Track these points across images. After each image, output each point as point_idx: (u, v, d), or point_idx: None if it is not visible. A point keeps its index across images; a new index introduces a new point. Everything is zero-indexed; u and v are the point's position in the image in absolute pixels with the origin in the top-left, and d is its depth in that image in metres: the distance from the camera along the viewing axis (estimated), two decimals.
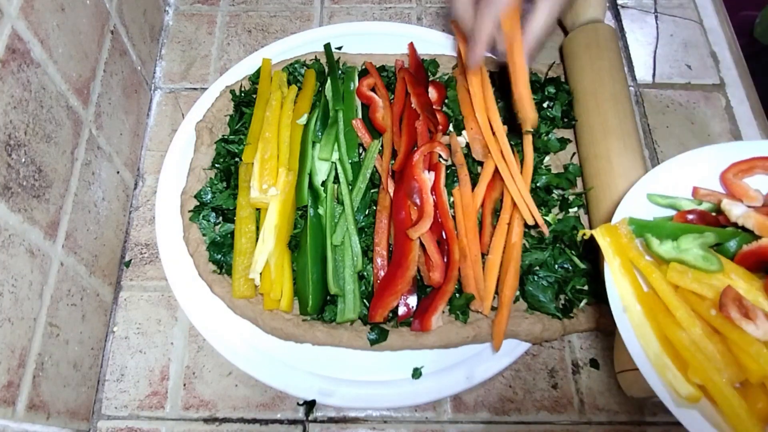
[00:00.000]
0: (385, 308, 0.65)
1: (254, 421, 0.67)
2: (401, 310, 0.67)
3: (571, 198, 0.75)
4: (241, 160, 0.76)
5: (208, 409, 0.67)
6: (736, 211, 0.54)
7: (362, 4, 0.97)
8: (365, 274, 0.70)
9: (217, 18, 0.96)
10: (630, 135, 0.73)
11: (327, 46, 0.86)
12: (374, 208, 0.73)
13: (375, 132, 0.79)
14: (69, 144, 0.63)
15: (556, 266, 0.70)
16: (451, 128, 0.80)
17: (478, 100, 0.75)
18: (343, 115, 0.79)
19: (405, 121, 0.78)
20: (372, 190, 0.75)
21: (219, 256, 0.71)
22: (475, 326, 0.66)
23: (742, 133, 0.85)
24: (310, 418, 0.67)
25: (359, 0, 0.98)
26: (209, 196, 0.74)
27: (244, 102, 0.82)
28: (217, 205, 0.73)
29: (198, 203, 0.74)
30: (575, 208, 0.75)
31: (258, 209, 0.73)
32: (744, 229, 0.54)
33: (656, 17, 0.96)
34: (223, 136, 0.79)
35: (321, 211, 0.72)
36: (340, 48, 0.88)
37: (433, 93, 0.81)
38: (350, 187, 0.74)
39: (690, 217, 0.56)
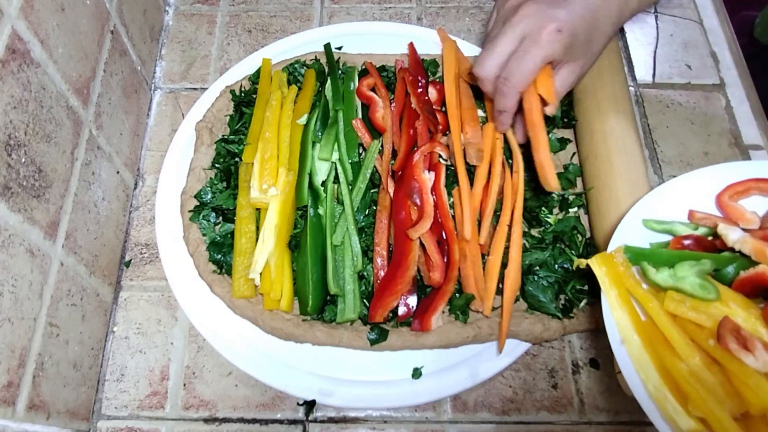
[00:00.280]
0: (385, 308, 0.65)
1: (254, 421, 0.67)
2: (401, 310, 0.67)
3: (571, 198, 0.75)
4: (241, 160, 0.76)
5: (208, 409, 0.67)
6: (732, 236, 0.53)
7: (362, 4, 0.97)
8: (365, 274, 0.70)
9: (217, 18, 0.96)
10: (630, 135, 0.73)
11: (327, 46, 0.86)
12: (374, 208, 0.73)
13: (375, 132, 0.79)
14: (69, 144, 0.63)
15: (556, 266, 0.70)
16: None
17: (452, 108, 0.76)
18: (343, 115, 0.79)
19: (405, 121, 0.78)
20: (372, 190, 0.75)
21: (219, 256, 0.71)
22: (475, 326, 0.66)
23: (742, 133, 0.85)
24: (310, 418, 0.67)
25: (359, 0, 0.98)
26: (209, 196, 0.74)
27: (244, 102, 0.82)
28: (217, 205, 0.73)
29: (198, 203, 0.74)
30: (575, 208, 0.75)
31: (258, 209, 0.73)
32: (742, 253, 0.53)
33: (656, 17, 0.96)
34: (223, 136, 0.79)
35: (321, 211, 0.72)
36: (340, 48, 0.88)
37: (433, 93, 0.81)
38: (350, 187, 0.74)
39: (686, 242, 0.55)
